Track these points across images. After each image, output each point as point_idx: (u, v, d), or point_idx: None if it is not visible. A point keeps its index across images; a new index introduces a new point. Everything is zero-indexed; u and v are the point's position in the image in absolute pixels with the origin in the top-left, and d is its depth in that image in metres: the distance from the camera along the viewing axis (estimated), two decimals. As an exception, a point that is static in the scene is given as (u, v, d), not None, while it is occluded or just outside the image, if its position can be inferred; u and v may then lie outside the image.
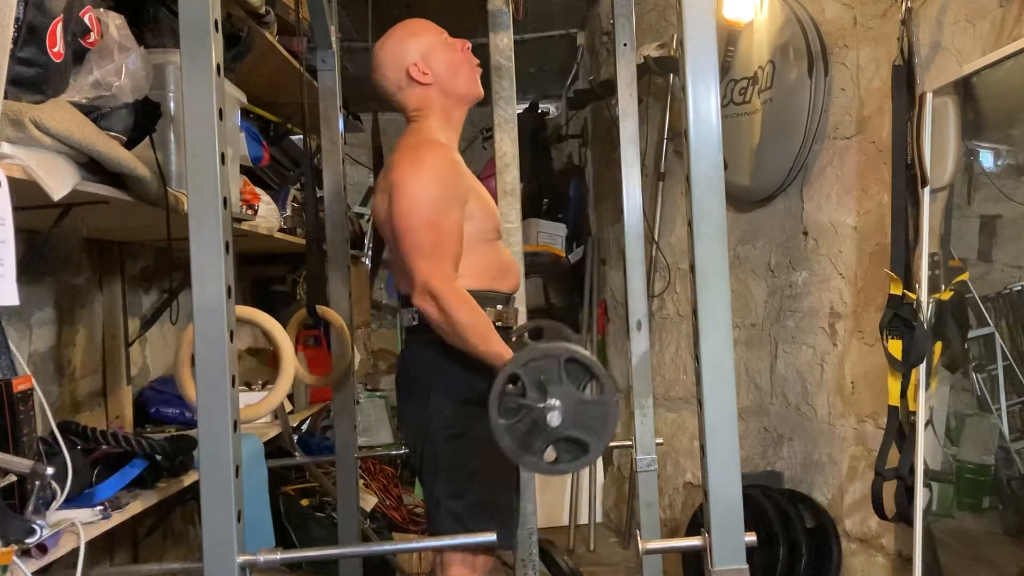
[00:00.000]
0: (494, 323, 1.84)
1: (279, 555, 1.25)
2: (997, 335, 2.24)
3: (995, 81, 2.21)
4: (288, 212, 2.79)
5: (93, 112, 1.46)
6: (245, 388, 2.56)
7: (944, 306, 2.31)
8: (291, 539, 2.96)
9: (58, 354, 2.03)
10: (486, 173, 3.46)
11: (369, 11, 3.38)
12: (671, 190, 3.72)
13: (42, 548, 1.34)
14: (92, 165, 1.42)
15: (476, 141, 4.62)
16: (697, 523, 3.00)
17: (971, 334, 2.30)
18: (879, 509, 2.38)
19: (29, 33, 1.28)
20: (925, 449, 2.29)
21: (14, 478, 1.32)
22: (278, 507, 2.97)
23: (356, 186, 4.91)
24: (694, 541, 1.23)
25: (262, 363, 2.92)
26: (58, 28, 1.32)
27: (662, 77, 3.65)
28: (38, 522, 1.28)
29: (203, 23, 1.22)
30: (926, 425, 2.30)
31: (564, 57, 4.80)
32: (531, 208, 4.33)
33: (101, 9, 1.54)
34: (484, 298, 1.84)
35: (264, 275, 3.35)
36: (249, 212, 2.31)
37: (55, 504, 1.41)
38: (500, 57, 2.34)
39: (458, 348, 1.73)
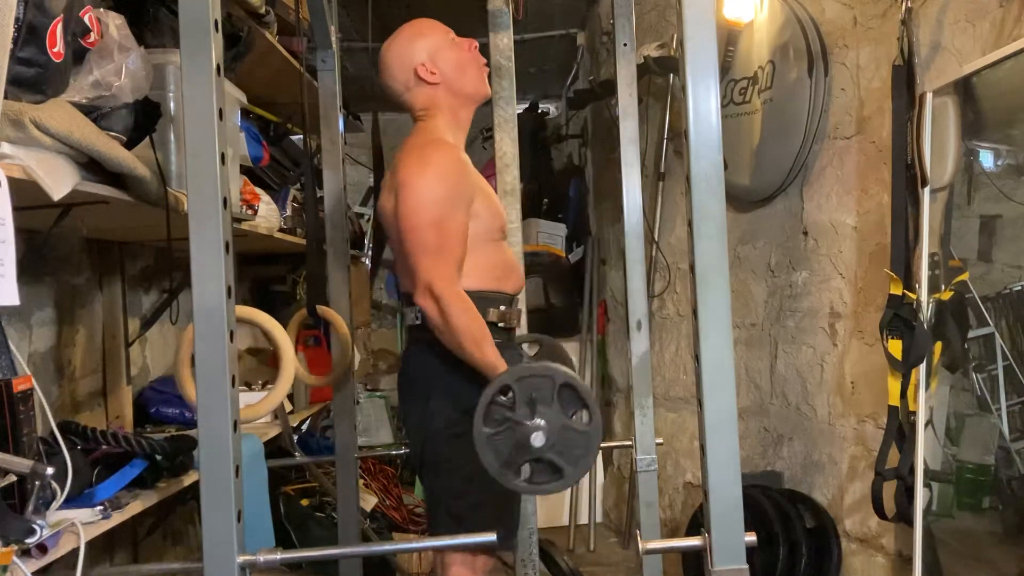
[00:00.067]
0: (497, 323, 1.85)
1: (279, 555, 1.25)
2: (997, 335, 2.24)
3: (995, 81, 2.21)
4: (288, 212, 2.79)
5: (93, 112, 1.46)
6: (245, 388, 2.56)
7: (944, 306, 2.31)
8: (291, 539, 2.96)
9: (58, 354, 2.03)
10: (486, 173, 3.45)
11: (369, 11, 3.38)
12: (671, 190, 3.72)
13: (42, 548, 1.34)
14: (92, 165, 1.42)
15: (476, 141, 4.62)
16: (697, 523, 3.00)
17: (971, 334, 2.30)
18: (879, 509, 2.38)
19: (29, 33, 1.28)
20: (925, 449, 2.29)
21: (14, 478, 1.32)
22: (278, 507, 2.97)
23: (356, 186, 4.91)
24: (694, 541, 1.23)
25: (262, 363, 2.92)
26: (58, 28, 1.32)
27: (662, 77, 3.65)
28: (38, 522, 1.28)
29: (203, 23, 1.22)
30: (926, 425, 2.30)
31: (564, 57, 4.80)
32: (531, 208, 4.33)
33: (101, 9, 1.54)
34: (488, 299, 1.84)
35: (264, 275, 3.35)
36: (249, 212, 2.31)
37: (55, 504, 1.41)
38: (500, 57, 2.34)
39: (451, 351, 1.74)
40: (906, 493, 2.30)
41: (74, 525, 1.42)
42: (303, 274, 3.13)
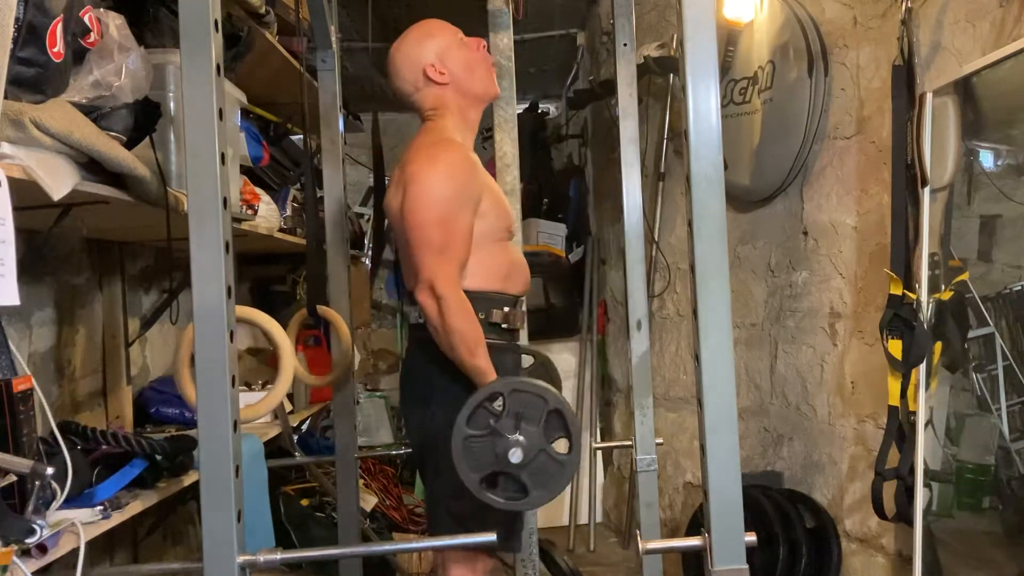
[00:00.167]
0: (500, 324, 1.85)
1: (279, 555, 1.25)
2: (997, 335, 2.24)
3: (995, 81, 2.21)
4: (288, 212, 2.79)
5: (93, 112, 1.46)
6: (245, 388, 2.56)
7: (944, 306, 2.31)
8: (291, 539, 2.96)
9: (58, 354, 2.03)
10: (486, 173, 3.46)
11: (369, 11, 3.38)
12: (671, 190, 3.72)
13: (42, 548, 1.34)
14: (92, 165, 1.42)
15: (476, 141, 4.62)
16: (697, 523, 3.00)
17: (971, 334, 2.30)
18: (879, 509, 2.38)
19: (29, 33, 1.28)
20: (925, 449, 2.29)
21: (14, 478, 1.32)
22: (278, 507, 2.97)
23: (356, 186, 4.91)
24: (694, 541, 1.23)
25: (262, 363, 2.92)
26: (58, 28, 1.32)
27: (662, 77, 3.65)
28: (38, 522, 1.28)
29: (203, 23, 1.22)
30: (926, 425, 2.30)
31: (564, 57, 4.80)
32: (531, 208, 4.33)
33: (101, 9, 1.54)
34: (492, 299, 1.84)
35: (264, 275, 3.35)
36: (249, 212, 2.31)
37: (55, 504, 1.41)
38: (500, 57, 2.34)
39: (444, 352, 1.74)
40: (906, 493, 2.30)
41: (74, 525, 1.42)
42: (303, 274, 3.13)
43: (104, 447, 1.70)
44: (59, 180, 1.29)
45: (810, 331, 2.98)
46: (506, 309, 1.87)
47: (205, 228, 1.22)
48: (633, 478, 2.91)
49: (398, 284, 2.08)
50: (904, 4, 2.35)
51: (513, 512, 1.91)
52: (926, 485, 2.30)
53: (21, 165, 1.24)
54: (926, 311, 2.30)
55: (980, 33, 2.26)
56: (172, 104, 1.77)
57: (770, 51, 3.02)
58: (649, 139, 3.69)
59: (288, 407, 2.85)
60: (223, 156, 1.24)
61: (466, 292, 1.76)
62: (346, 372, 2.47)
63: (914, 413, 2.31)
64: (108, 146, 1.42)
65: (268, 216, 2.48)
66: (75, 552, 1.40)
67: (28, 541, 1.27)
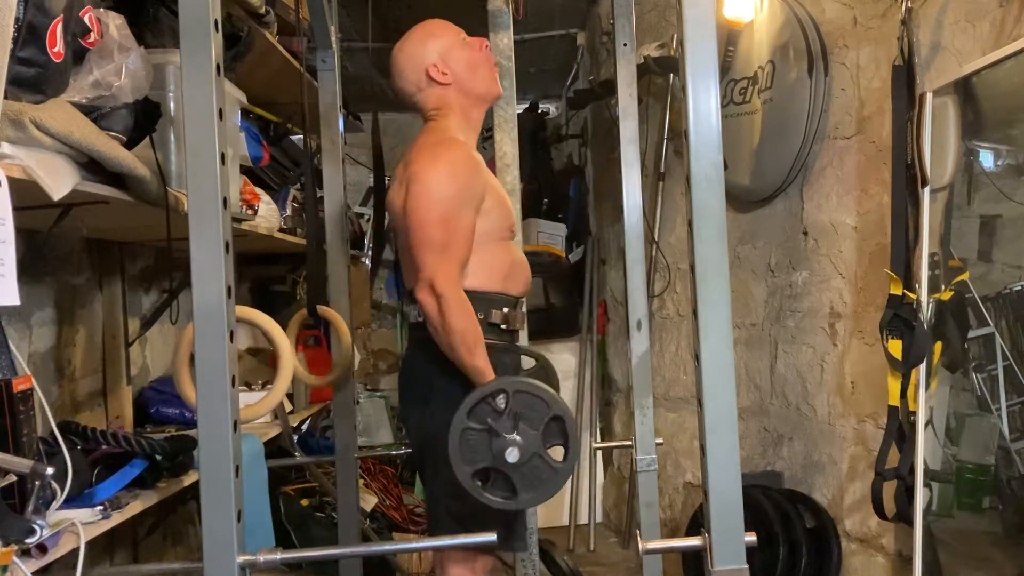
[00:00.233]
0: (499, 325, 1.85)
1: (279, 555, 1.25)
2: (997, 335, 2.24)
3: (995, 81, 2.21)
4: (288, 212, 2.79)
5: (93, 112, 1.46)
6: (245, 388, 2.56)
7: (944, 306, 2.31)
8: (291, 539, 2.96)
9: (58, 354, 2.03)
10: (486, 173, 3.46)
11: (369, 11, 3.37)
12: (671, 190, 3.72)
13: (42, 548, 1.34)
14: (92, 165, 1.42)
15: (477, 141, 4.62)
16: (697, 523, 3.00)
17: (971, 334, 2.30)
18: (879, 509, 2.38)
19: (29, 33, 1.28)
20: (925, 449, 2.29)
21: (14, 478, 1.32)
22: (278, 507, 2.97)
23: (356, 186, 4.91)
24: (694, 541, 1.23)
25: (262, 363, 2.92)
26: (58, 28, 1.32)
27: (662, 77, 3.65)
28: (38, 522, 1.28)
29: (203, 23, 1.22)
30: (926, 425, 2.30)
31: (564, 57, 4.80)
32: (531, 208, 4.33)
33: (101, 9, 1.54)
34: (492, 300, 1.84)
35: (264, 275, 3.35)
36: (249, 212, 2.31)
37: (55, 504, 1.41)
38: (500, 57, 2.34)
39: (443, 351, 1.74)
40: (906, 493, 2.30)
41: (74, 525, 1.42)
42: (303, 274, 3.13)
43: (104, 447, 1.70)
44: (59, 180, 1.29)
45: (810, 331, 2.98)
46: (505, 310, 1.87)
47: (205, 228, 1.22)
48: (633, 478, 2.91)
49: (398, 284, 2.08)
50: (904, 4, 2.35)
51: (514, 513, 1.92)
52: (926, 485, 2.30)
53: (21, 165, 1.24)
54: (926, 311, 2.30)
55: (980, 33, 2.26)
56: (172, 104, 1.77)
57: (770, 51, 3.02)
58: (649, 139, 3.69)
59: (288, 407, 2.85)
60: (223, 156, 1.24)
61: (466, 292, 1.76)
62: (346, 372, 2.47)
63: (914, 413, 2.31)
64: (108, 146, 1.42)
65: (268, 216, 2.48)
66: (75, 552, 1.40)
67: (28, 541, 1.27)
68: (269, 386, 2.21)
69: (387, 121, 4.36)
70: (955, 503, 2.41)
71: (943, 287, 2.32)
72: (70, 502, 1.48)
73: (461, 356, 1.71)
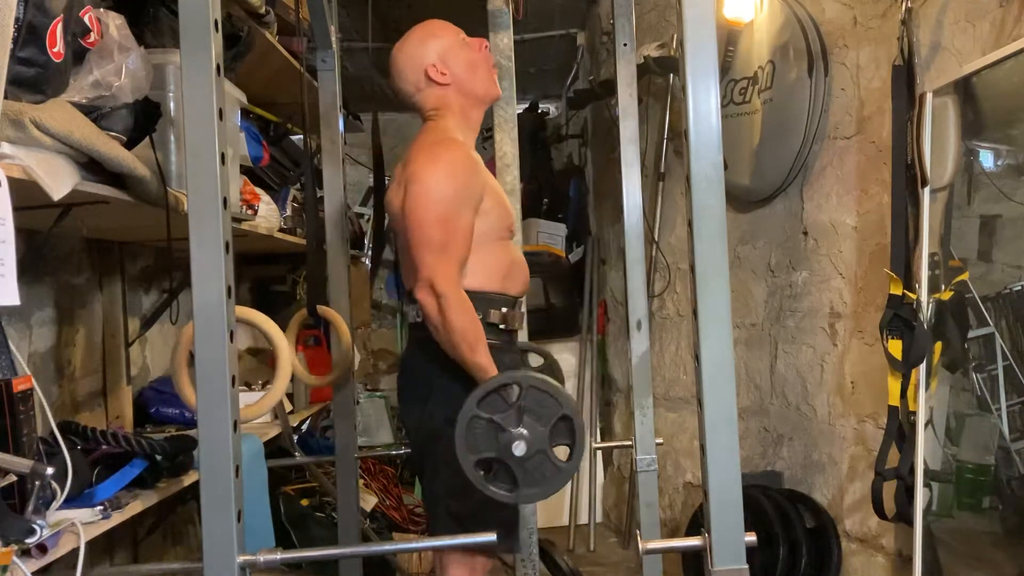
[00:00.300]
0: (498, 325, 1.85)
1: (279, 555, 1.25)
2: (997, 335, 2.24)
3: (995, 81, 2.21)
4: (288, 212, 2.79)
5: (93, 112, 1.46)
6: (245, 388, 2.56)
7: (944, 306, 2.31)
8: (291, 539, 2.96)
9: (58, 354, 2.03)
10: (486, 173, 3.46)
11: (369, 11, 3.37)
12: (671, 190, 3.72)
13: (42, 548, 1.34)
14: (92, 165, 1.42)
15: (476, 141, 4.62)
16: (697, 523, 3.00)
17: (971, 334, 2.30)
18: (879, 509, 2.38)
19: (29, 33, 1.28)
20: (925, 449, 2.29)
21: (14, 478, 1.32)
22: (278, 507, 2.97)
23: (356, 186, 4.91)
24: (694, 541, 1.23)
25: (262, 363, 2.92)
26: (58, 28, 1.32)
27: (662, 77, 3.65)
28: (38, 522, 1.28)
29: (203, 23, 1.22)
30: (926, 425, 2.30)
31: (564, 57, 4.80)
32: (531, 208, 4.33)
33: (101, 9, 1.54)
34: (490, 300, 1.84)
35: (264, 275, 3.35)
36: (249, 212, 2.31)
37: (55, 504, 1.41)
38: (500, 57, 2.34)
39: (445, 349, 1.74)
40: (906, 493, 2.30)
41: (74, 525, 1.42)
42: (303, 274, 3.13)
43: (104, 447, 1.70)
44: (59, 180, 1.29)
45: (810, 331, 2.98)
46: (504, 310, 1.87)
47: (205, 228, 1.22)
48: (633, 478, 2.91)
49: (398, 284, 2.08)
50: (904, 4, 2.35)
51: (511, 511, 1.92)
52: (926, 485, 2.30)
53: (21, 165, 1.24)
54: (926, 311, 2.30)
55: (980, 33, 2.26)
56: (172, 104, 1.77)
57: (770, 51, 3.02)
58: (649, 139, 3.69)
59: (288, 407, 2.85)
60: (223, 156, 1.24)
61: (465, 291, 1.76)
62: (346, 372, 2.47)
63: (914, 413, 2.31)
64: (108, 146, 1.42)
65: (268, 216, 2.48)
66: (75, 552, 1.40)
67: (28, 541, 1.27)
68: (269, 386, 2.21)
69: (387, 121, 4.36)
70: (955, 503, 2.41)
71: (943, 287, 2.32)
72: (70, 502, 1.48)
73: (463, 354, 1.71)
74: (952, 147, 2.33)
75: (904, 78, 2.37)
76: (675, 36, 3.33)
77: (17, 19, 1.24)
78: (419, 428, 1.89)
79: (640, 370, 2.33)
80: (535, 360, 2.10)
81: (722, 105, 2.50)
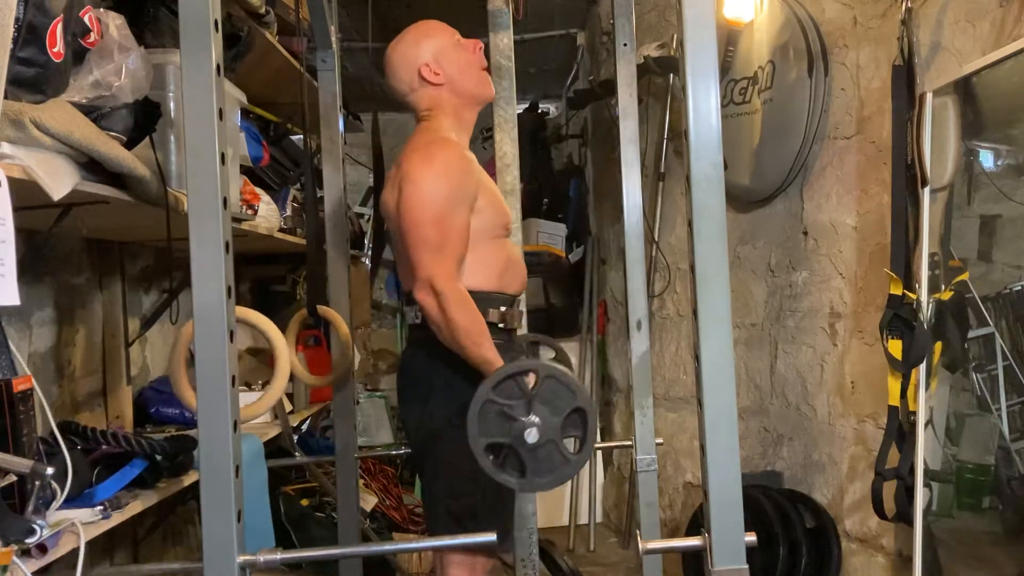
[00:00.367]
0: (497, 324, 1.85)
1: (279, 555, 1.25)
2: (997, 335, 2.24)
3: (995, 81, 2.21)
4: (288, 212, 2.79)
5: (93, 112, 1.46)
6: (245, 388, 2.56)
7: (944, 306, 2.31)
8: (291, 539, 2.96)
9: (58, 354, 2.03)
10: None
11: (369, 11, 3.37)
12: (671, 190, 3.72)
13: (42, 548, 1.34)
14: (92, 165, 1.42)
15: (476, 141, 4.61)
16: (697, 523, 3.00)
17: (971, 334, 2.30)
18: (879, 509, 2.38)
19: (29, 33, 1.28)
20: (925, 449, 2.29)
21: (14, 478, 1.32)
22: (278, 507, 2.97)
23: (356, 186, 4.91)
24: (694, 541, 1.24)
25: (262, 363, 2.92)
26: (58, 28, 1.32)
27: (662, 77, 3.65)
28: (38, 522, 1.28)
29: (203, 23, 1.22)
30: (926, 425, 2.30)
31: (564, 57, 4.80)
32: (531, 208, 4.33)
33: (101, 9, 1.54)
34: (489, 299, 1.84)
35: (264, 275, 3.35)
36: (249, 212, 2.31)
37: (55, 504, 1.41)
38: (500, 57, 2.34)
39: (450, 348, 1.74)
40: (906, 493, 2.30)
41: (74, 525, 1.42)
42: (303, 274, 3.13)
43: (104, 447, 1.70)
44: (59, 180, 1.29)
45: (810, 331, 2.98)
46: (503, 308, 1.87)
47: (205, 228, 1.22)
48: (633, 478, 2.91)
49: (398, 284, 2.08)
50: (904, 4, 2.35)
51: (509, 510, 1.92)
52: (926, 485, 2.30)
53: (21, 165, 1.24)
54: (926, 311, 2.30)
55: (980, 33, 2.26)
56: (172, 104, 1.77)
57: (770, 51, 3.02)
58: (649, 139, 3.69)
59: (288, 407, 2.85)
60: (223, 156, 1.24)
61: None
62: (346, 372, 2.47)
63: (914, 413, 2.31)
64: (108, 146, 1.42)
65: (268, 216, 2.48)
66: (75, 552, 1.40)
67: (28, 541, 1.27)
68: (269, 386, 2.21)
69: (387, 121, 4.36)
70: (955, 503, 2.41)
71: (943, 287, 2.32)
72: (70, 502, 1.48)
73: (468, 350, 1.71)
74: (952, 147, 2.33)
75: (904, 78, 2.37)
76: (675, 36, 3.33)
77: (17, 19, 1.24)
78: (419, 428, 1.89)
79: (640, 370, 2.33)
80: (547, 353, 2.09)
81: (722, 105, 2.51)
